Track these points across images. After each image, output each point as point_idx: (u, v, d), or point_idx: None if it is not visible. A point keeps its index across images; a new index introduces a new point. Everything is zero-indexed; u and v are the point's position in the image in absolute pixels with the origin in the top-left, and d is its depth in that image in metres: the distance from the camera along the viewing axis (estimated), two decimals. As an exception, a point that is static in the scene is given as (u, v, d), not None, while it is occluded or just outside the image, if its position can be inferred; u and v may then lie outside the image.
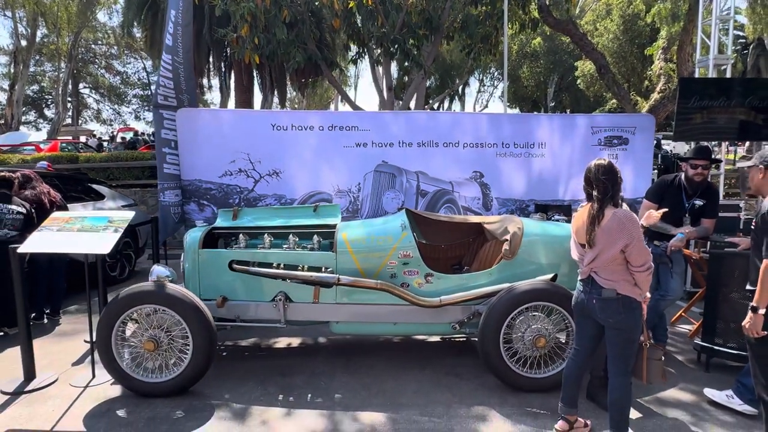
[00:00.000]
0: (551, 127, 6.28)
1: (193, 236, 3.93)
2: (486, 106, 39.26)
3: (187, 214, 5.75)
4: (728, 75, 6.85)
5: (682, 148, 12.29)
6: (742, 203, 6.31)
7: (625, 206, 3.53)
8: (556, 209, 6.04)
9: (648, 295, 2.80)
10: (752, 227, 2.77)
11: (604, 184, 2.73)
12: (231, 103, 19.79)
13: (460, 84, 27.26)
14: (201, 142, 5.67)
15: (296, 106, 33.56)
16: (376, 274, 3.76)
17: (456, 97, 35.45)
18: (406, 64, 12.28)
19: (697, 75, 7.20)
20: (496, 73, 35.47)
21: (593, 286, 2.78)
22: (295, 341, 4.60)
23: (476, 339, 3.63)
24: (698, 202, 3.91)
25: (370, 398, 3.46)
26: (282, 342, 4.58)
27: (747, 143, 19.10)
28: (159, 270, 3.60)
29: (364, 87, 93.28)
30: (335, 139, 5.80)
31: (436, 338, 4.59)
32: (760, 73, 24.85)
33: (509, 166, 6.21)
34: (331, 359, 4.16)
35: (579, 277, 2.93)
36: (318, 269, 3.83)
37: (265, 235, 3.99)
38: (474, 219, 4.49)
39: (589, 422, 3.04)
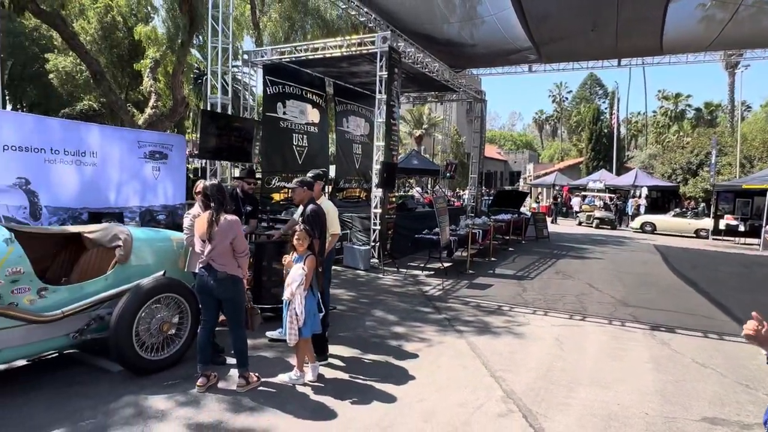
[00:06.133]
0: (102, 137, 6.50)
1: None
2: None
3: None
4: (230, 111, 9.14)
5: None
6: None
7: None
8: (109, 216, 6.39)
9: (248, 273, 4.13)
10: (302, 222, 4.63)
11: (218, 199, 3.85)
12: None
13: None
14: None
15: None
16: (-26, 299, 3.23)
17: None
18: None
19: (209, 108, 9.12)
20: None
21: (211, 270, 3.85)
22: None
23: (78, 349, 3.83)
24: (249, 208, 5.60)
25: (-8, 437, 3.06)
26: None
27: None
28: None
29: None
30: None
31: (21, 362, 4.13)
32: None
33: (60, 173, 5.96)
34: None
35: (200, 265, 3.91)
36: None
37: None
38: (72, 229, 4.38)
39: (216, 374, 4.06)
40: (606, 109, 53.54)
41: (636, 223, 20.47)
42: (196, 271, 3.99)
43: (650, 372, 4.65)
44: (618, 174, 30.18)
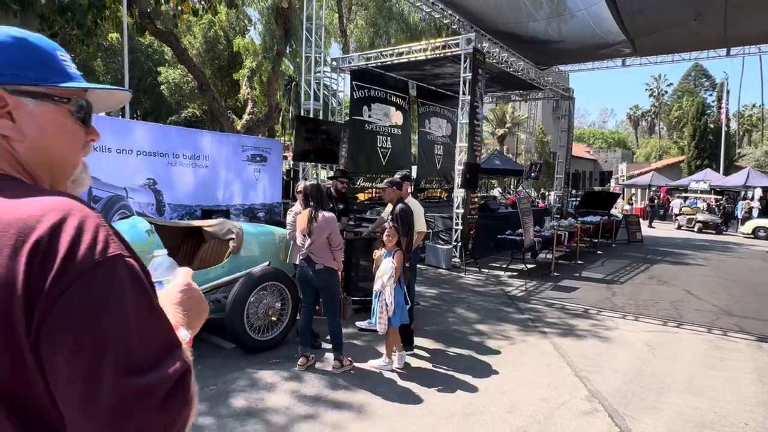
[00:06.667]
0: (212, 142, 7.28)
1: None
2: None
3: None
4: (321, 116, 9.75)
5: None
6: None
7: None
8: (218, 213, 7.11)
9: (342, 265, 4.51)
10: (391, 220, 4.94)
11: (317, 197, 4.25)
12: None
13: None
14: None
15: None
16: (124, 279, 3.89)
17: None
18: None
19: (302, 113, 9.81)
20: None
21: (310, 262, 4.25)
22: None
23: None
24: (341, 206, 6.03)
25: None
26: None
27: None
28: None
29: None
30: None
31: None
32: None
33: (179, 175, 6.79)
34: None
35: (300, 257, 4.33)
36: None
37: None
38: (194, 223, 5.06)
39: (314, 356, 4.49)
40: (713, 102, 48.70)
41: (747, 227, 18.58)
42: (297, 262, 4.44)
43: (754, 383, 4.38)
44: (726, 174, 27.46)
